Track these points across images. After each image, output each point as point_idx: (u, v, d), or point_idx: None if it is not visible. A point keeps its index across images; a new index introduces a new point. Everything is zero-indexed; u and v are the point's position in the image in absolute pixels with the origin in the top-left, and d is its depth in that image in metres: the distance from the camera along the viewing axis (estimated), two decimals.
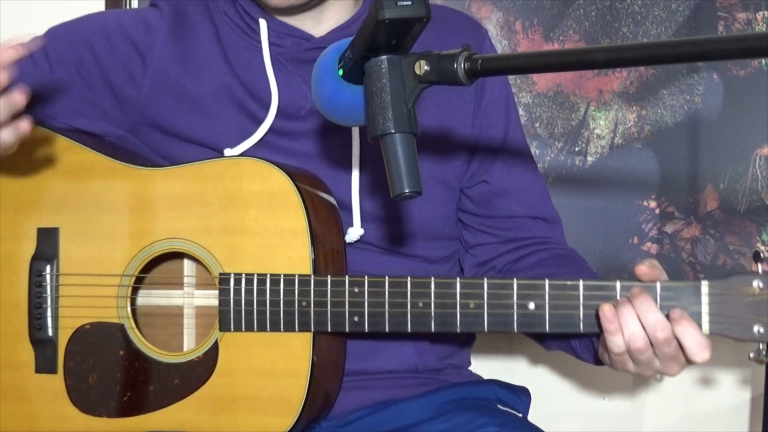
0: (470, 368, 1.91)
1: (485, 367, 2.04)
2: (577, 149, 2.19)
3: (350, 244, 1.73)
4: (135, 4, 2.24)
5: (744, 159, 2.16)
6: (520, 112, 2.16)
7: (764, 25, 2.15)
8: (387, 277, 1.60)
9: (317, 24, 1.76)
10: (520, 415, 1.79)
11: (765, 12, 2.16)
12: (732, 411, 2.26)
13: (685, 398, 2.28)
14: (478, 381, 1.87)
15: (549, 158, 2.19)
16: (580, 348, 1.67)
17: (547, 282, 1.54)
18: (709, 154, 2.17)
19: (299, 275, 1.62)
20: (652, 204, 2.19)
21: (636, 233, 2.19)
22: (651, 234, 2.18)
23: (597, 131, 2.19)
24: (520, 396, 1.83)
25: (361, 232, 1.73)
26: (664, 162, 2.18)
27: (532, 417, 1.81)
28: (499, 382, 1.85)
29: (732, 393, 2.26)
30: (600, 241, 2.19)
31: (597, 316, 1.50)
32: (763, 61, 2.15)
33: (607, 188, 2.20)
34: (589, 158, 2.20)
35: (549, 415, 2.20)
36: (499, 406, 1.77)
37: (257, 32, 1.75)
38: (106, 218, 1.73)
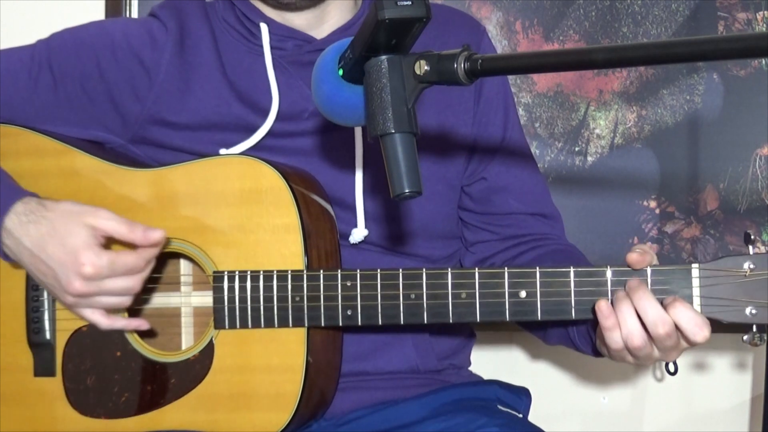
0: (470, 367, 1.91)
1: (485, 364, 2.04)
2: (577, 149, 2.19)
3: (353, 245, 1.73)
4: (135, 5, 2.24)
5: (744, 159, 2.16)
6: (520, 112, 2.16)
7: (764, 25, 2.15)
8: (379, 270, 1.60)
9: (319, 24, 1.75)
10: (521, 415, 1.79)
11: (765, 12, 2.15)
12: (732, 411, 2.25)
13: (685, 398, 2.27)
14: (479, 381, 1.87)
15: (549, 158, 2.19)
16: (579, 339, 1.67)
17: (538, 270, 1.54)
18: (709, 154, 2.17)
19: (292, 271, 1.63)
20: (652, 204, 2.18)
21: (636, 233, 2.19)
22: (651, 234, 2.18)
23: (597, 131, 2.19)
24: (521, 396, 1.83)
25: (366, 232, 1.72)
26: (664, 162, 2.18)
27: (532, 416, 1.81)
28: (500, 382, 1.85)
29: (732, 393, 2.25)
30: (600, 241, 2.19)
31: (592, 309, 1.50)
32: (763, 61, 2.15)
33: (607, 188, 2.20)
34: (589, 158, 2.19)
35: (549, 415, 2.20)
36: (500, 407, 1.77)
37: (258, 36, 1.74)
38: None
